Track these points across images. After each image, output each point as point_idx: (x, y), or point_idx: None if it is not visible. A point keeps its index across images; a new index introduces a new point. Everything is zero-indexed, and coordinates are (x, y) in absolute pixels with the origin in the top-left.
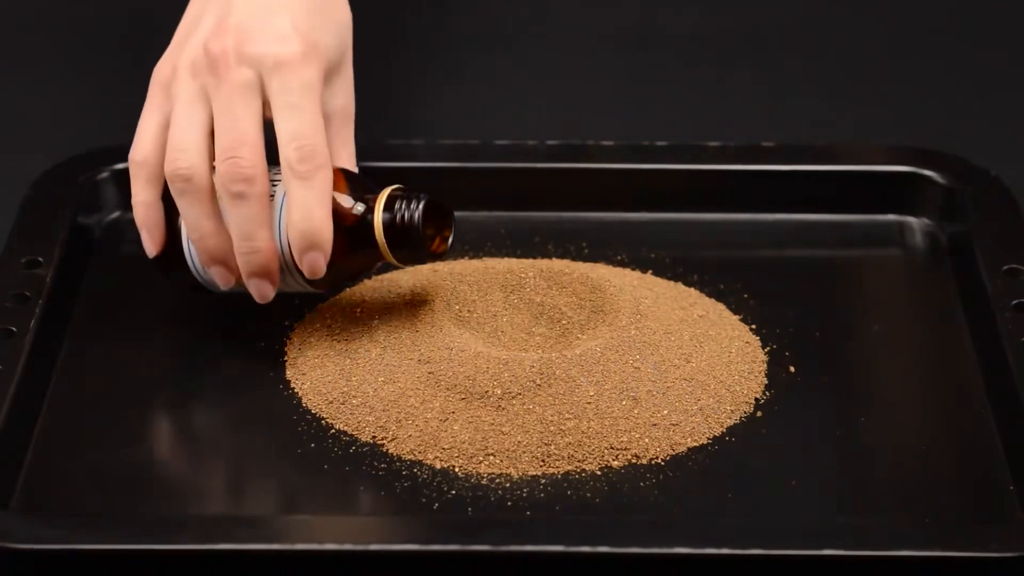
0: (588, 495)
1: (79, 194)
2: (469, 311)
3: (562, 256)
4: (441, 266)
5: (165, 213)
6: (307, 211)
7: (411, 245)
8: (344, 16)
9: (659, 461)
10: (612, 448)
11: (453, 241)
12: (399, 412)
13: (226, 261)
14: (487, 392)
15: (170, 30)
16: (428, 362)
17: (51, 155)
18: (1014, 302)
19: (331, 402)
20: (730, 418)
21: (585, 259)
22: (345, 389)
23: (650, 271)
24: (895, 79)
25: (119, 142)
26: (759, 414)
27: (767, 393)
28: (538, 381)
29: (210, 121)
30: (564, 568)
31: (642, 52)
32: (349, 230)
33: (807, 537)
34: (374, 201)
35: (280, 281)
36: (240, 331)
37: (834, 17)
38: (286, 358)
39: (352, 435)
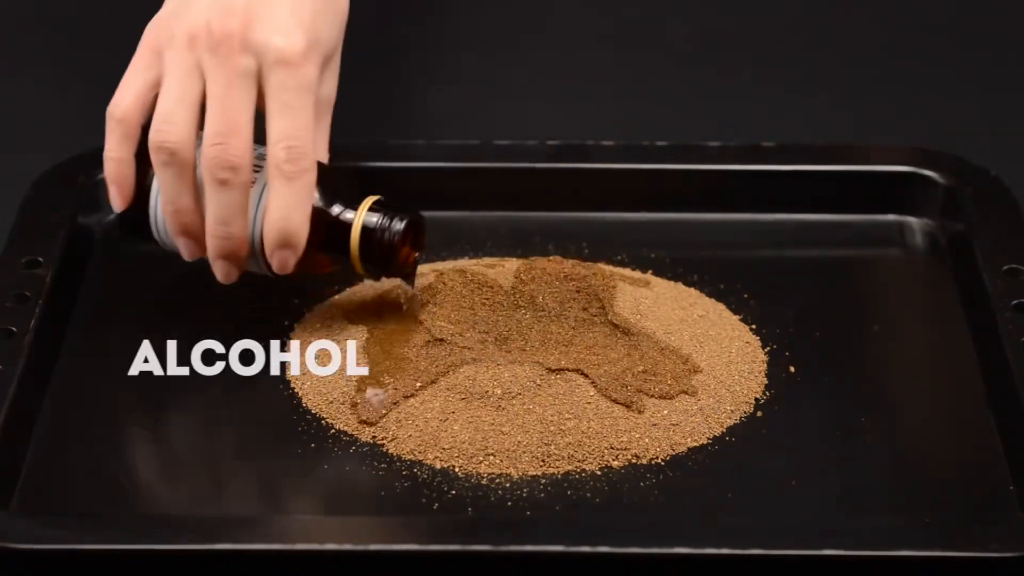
0: (588, 495)
1: (79, 194)
2: (469, 311)
3: (562, 256)
4: (442, 266)
5: (136, 170)
6: (287, 212)
7: (382, 261)
8: (343, 5)
9: (659, 461)
10: (612, 448)
11: (420, 260)
12: (399, 412)
13: (195, 235)
14: (487, 392)
15: None
16: (429, 362)
17: (51, 155)
18: (1014, 302)
19: (331, 402)
20: (730, 418)
21: (585, 259)
22: (345, 389)
23: (650, 271)
24: (895, 79)
25: None
26: (759, 414)
27: (767, 393)
28: (538, 381)
29: (201, 97)
30: (564, 568)
31: (642, 52)
32: (324, 234)
33: (807, 537)
34: (354, 210)
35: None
36: (240, 331)
37: (835, 17)
38: (286, 358)
39: (352, 435)
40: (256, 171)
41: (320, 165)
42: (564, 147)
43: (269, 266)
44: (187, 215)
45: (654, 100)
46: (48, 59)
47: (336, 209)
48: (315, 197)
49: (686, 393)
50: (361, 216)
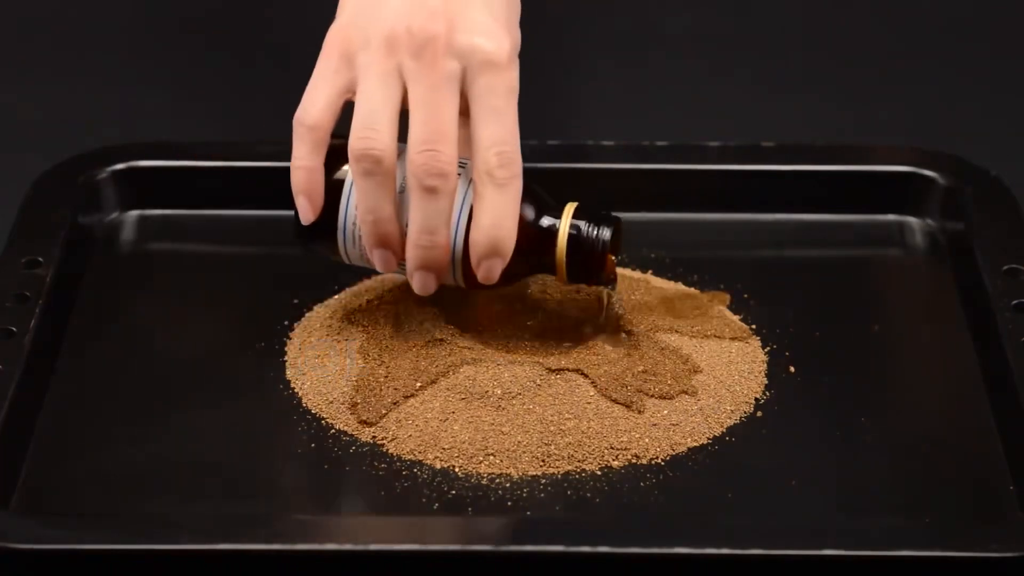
0: (588, 495)
1: (79, 194)
2: (469, 311)
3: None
4: None
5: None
6: (499, 219)
7: (590, 270)
8: (519, 5)
9: (659, 461)
10: (612, 448)
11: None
12: (399, 412)
13: (394, 246)
14: (487, 392)
15: (167, 31)
16: (428, 362)
17: (51, 155)
18: (1014, 302)
19: (331, 402)
20: (730, 418)
21: None
22: (345, 389)
23: (650, 271)
24: (895, 79)
25: (119, 142)
26: (759, 414)
27: (767, 393)
28: (538, 381)
29: (401, 102)
30: (564, 568)
31: (642, 52)
32: (530, 242)
33: (807, 537)
34: (558, 218)
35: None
36: (240, 331)
37: (835, 17)
38: (286, 358)
39: (352, 435)
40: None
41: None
42: (564, 147)
43: (467, 277)
44: (387, 225)
45: (654, 100)
46: (48, 59)
47: (542, 217)
48: (523, 209)
49: (686, 393)
50: (567, 224)
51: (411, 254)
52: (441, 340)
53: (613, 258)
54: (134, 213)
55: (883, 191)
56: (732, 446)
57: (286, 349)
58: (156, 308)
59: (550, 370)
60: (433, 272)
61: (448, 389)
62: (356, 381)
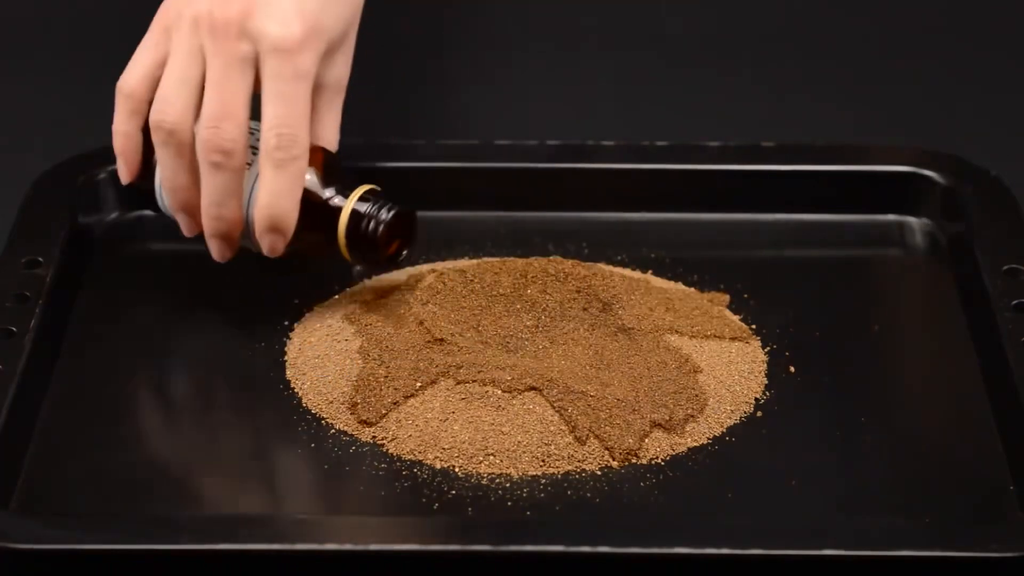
0: (588, 495)
1: (79, 194)
2: (469, 312)
3: (562, 256)
4: (441, 266)
5: (143, 144)
6: (275, 198)
7: (369, 249)
8: None
9: (659, 461)
10: (612, 448)
11: (407, 254)
12: (399, 412)
13: (194, 213)
14: (487, 392)
15: None
16: (428, 362)
17: (51, 155)
18: (1014, 302)
19: (331, 402)
20: (730, 418)
21: (585, 259)
22: (345, 389)
23: (650, 271)
24: (895, 79)
25: None
26: (759, 414)
27: (767, 393)
28: (538, 381)
29: (202, 79)
30: (564, 568)
31: (642, 52)
32: (314, 218)
33: (807, 537)
34: (346, 197)
35: (239, 241)
36: (240, 331)
37: (835, 17)
38: (286, 358)
39: (352, 435)
40: (255, 154)
41: (325, 152)
42: (564, 147)
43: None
44: (185, 192)
45: (654, 100)
46: (48, 59)
47: (328, 195)
48: (312, 181)
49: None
50: (351, 203)
51: (204, 223)
52: (441, 340)
53: (399, 245)
54: (134, 213)
55: (883, 191)
56: (732, 446)
57: (286, 349)
58: (156, 308)
59: (550, 370)
60: (225, 241)
61: (448, 389)
62: (356, 381)
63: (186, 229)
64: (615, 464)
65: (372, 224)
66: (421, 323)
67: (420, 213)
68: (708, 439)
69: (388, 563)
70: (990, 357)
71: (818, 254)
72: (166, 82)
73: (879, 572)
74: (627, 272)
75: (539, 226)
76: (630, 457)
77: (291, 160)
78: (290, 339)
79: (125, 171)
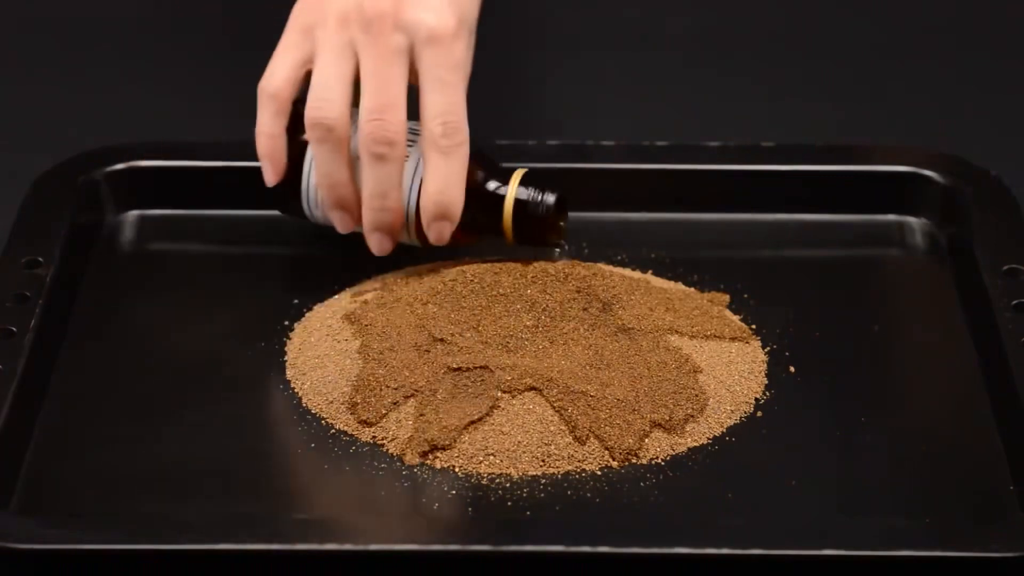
0: (588, 495)
1: (79, 194)
2: (469, 312)
3: (562, 256)
4: (441, 266)
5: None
6: (445, 184)
7: (535, 232)
8: None
9: (659, 461)
10: (612, 448)
11: (566, 235)
12: (399, 412)
13: (350, 208)
14: (487, 392)
15: (168, 31)
16: (429, 362)
17: (51, 155)
18: (1014, 302)
19: (331, 402)
20: (730, 418)
21: (585, 259)
22: (345, 389)
23: (650, 271)
24: (895, 79)
25: (119, 142)
26: (759, 414)
27: (767, 393)
28: (538, 381)
29: (354, 74)
30: (564, 568)
31: (642, 52)
32: (478, 206)
33: (807, 537)
34: (506, 184)
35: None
36: (240, 331)
37: (834, 17)
38: (286, 358)
39: (352, 435)
40: (409, 145)
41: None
42: (564, 147)
43: (421, 238)
44: (342, 188)
45: (654, 100)
46: (48, 59)
47: (489, 182)
48: (470, 172)
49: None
50: (513, 189)
51: (365, 216)
52: (441, 340)
53: (562, 223)
54: (134, 213)
55: (883, 191)
56: (732, 446)
57: (286, 349)
58: (156, 308)
59: (550, 370)
60: (386, 233)
61: (448, 389)
62: (356, 381)
63: (342, 226)
64: (615, 464)
65: (538, 209)
66: (421, 323)
67: None
68: (708, 439)
69: (388, 563)
70: (990, 357)
71: (818, 254)
72: (320, 78)
73: (879, 572)
74: (627, 272)
75: None
76: (630, 457)
77: (456, 147)
78: (290, 339)
79: (271, 173)
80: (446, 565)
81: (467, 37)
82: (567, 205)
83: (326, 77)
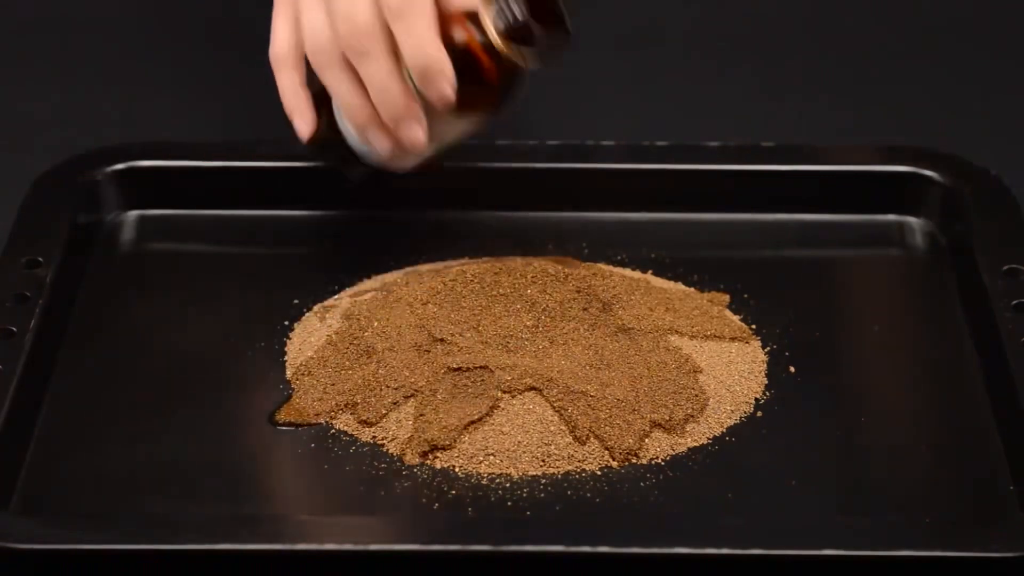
0: (588, 495)
1: (79, 194)
2: (469, 312)
3: (562, 256)
4: (441, 266)
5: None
6: (419, 42)
7: (526, 37)
8: None
9: (659, 461)
10: (612, 448)
11: (569, 40)
12: (399, 412)
13: (378, 123)
14: (486, 392)
15: (168, 31)
16: (429, 362)
17: (51, 155)
18: (1014, 302)
19: (331, 402)
20: (730, 418)
21: (585, 259)
22: (345, 389)
23: (650, 271)
24: (895, 79)
25: (119, 142)
26: (759, 414)
27: (767, 393)
28: (538, 381)
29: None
30: (564, 568)
31: (642, 52)
32: (466, 53)
33: (807, 537)
34: (477, 18)
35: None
36: (240, 331)
37: (834, 17)
38: (286, 358)
39: (352, 435)
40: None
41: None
42: (564, 147)
43: (432, 120)
44: (363, 108)
45: (654, 100)
46: (48, 59)
47: (456, 27)
48: (444, 30)
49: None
50: (483, 8)
51: (383, 116)
52: (441, 340)
53: (550, 20)
54: (134, 213)
55: (883, 191)
56: (732, 446)
57: (286, 349)
58: (156, 308)
59: (550, 370)
60: (409, 122)
61: (448, 389)
62: (356, 381)
63: (381, 145)
64: (615, 464)
65: (516, 14)
66: (421, 323)
67: (420, 213)
68: (708, 439)
69: (388, 563)
70: (990, 357)
71: (818, 254)
72: (306, 21)
73: (879, 572)
74: (627, 272)
75: (539, 226)
76: (630, 457)
77: (412, 6)
78: (290, 339)
79: (303, 125)
80: (446, 565)
81: None
82: (560, 15)
83: (312, 17)
